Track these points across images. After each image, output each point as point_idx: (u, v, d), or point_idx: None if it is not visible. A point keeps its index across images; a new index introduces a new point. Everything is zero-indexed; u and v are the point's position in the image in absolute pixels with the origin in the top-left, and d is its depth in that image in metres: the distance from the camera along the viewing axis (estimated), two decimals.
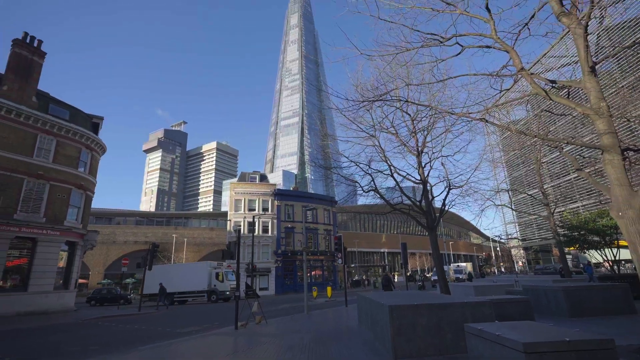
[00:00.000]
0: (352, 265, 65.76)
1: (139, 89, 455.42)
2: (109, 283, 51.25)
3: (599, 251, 16.94)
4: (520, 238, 51.43)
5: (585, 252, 20.22)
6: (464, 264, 51.21)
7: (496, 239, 74.17)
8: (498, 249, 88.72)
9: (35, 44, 23.80)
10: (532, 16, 7.98)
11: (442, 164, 16.92)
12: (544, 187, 28.26)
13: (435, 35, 8.55)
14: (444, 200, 16.56)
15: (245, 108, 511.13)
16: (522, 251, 62.61)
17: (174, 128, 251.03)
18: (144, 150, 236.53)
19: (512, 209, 37.27)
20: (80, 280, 50.97)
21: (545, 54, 19.59)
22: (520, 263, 67.94)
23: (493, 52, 8.93)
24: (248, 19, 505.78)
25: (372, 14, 8.37)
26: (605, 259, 16.75)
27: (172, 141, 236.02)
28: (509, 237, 54.94)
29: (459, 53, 9.11)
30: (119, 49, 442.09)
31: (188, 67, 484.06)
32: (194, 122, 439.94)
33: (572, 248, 20.38)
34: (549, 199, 27.45)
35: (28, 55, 23.34)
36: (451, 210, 17.92)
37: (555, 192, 37.16)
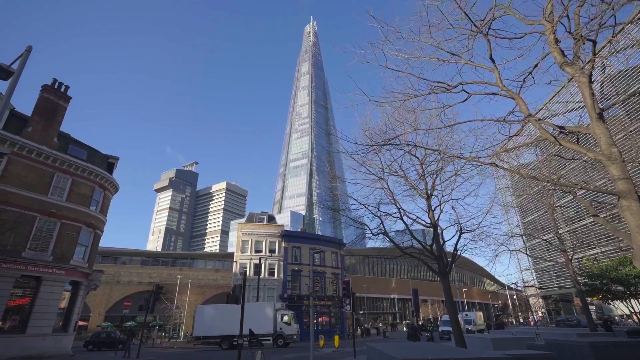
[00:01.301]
0: (361, 312, 62.87)
1: (150, 121, 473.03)
2: (109, 326, 49.63)
3: (624, 302, 15.96)
4: (537, 286, 49.02)
5: (609, 304, 19.08)
6: (473, 313, 46.63)
7: (512, 286, 70.77)
8: (515, 297, 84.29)
9: (62, 89, 25.34)
10: (536, 66, 8.27)
11: (452, 207, 16.71)
12: (560, 232, 27.42)
13: (442, 83, 8.86)
14: (456, 244, 16.15)
15: (255, 148, 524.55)
16: (540, 300, 59.33)
17: (185, 168, 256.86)
18: (155, 190, 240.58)
19: (527, 254, 35.92)
20: (80, 322, 49.55)
21: (551, 99, 20.00)
22: (539, 313, 64.09)
23: (499, 98, 9.16)
24: (261, 66, 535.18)
25: (380, 64, 8.78)
26: (633, 310, 15.72)
27: (183, 181, 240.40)
28: (526, 284, 52.41)
29: (466, 99, 9.38)
30: (132, 86, 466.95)
31: (201, 104, 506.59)
32: (205, 160, 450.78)
33: (594, 298, 19.26)
34: (565, 244, 26.51)
35: (55, 99, 24.78)
36: (463, 255, 17.37)
37: (572, 238, 35.93)
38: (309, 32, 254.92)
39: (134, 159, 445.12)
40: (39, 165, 23.05)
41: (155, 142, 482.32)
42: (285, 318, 30.91)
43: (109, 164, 28.97)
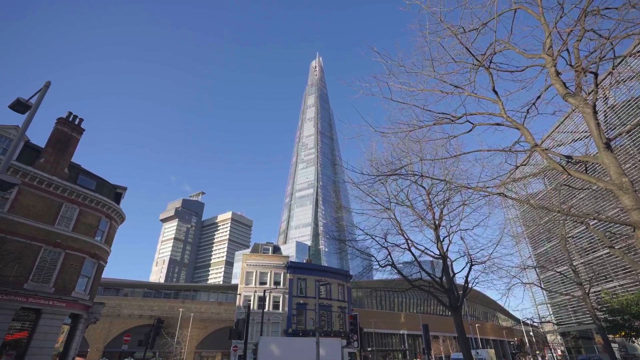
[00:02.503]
0: (369, 349, 60.16)
1: (157, 151, 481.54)
2: None
3: None
4: (554, 322, 46.80)
5: (633, 342, 18.07)
6: (484, 351, 43.38)
7: (528, 322, 67.68)
8: (531, 333, 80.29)
9: (77, 122, 26.21)
10: (539, 97, 8.40)
11: (461, 238, 16.47)
12: (574, 264, 26.57)
13: (446, 114, 9.01)
14: (467, 276, 15.76)
15: (261, 178, 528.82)
16: (559, 337, 56.41)
17: (192, 198, 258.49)
18: (161, 219, 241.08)
19: (541, 287, 34.68)
20: (77, 359, 47.91)
21: (556, 129, 20.15)
22: (558, 351, 60.70)
23: (504, 128, 9.24)
24: (268, 98, 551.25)
25: (385, 96, 9.00)
26: None
27: (189, 211, 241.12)
28: (542, 320, 50.08)
29: (470, 130, 9.47)
30: (138, 114, 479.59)
31: (208, 134, 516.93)
32: (211, 190, 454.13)
33: (617, 335, 18.28)
34: (581, 277, 25.60)
35: (68, 131, 25.57)
36: (475, 288, 16.88)
37: (587, 270, 34.72)
38: (315, 66, 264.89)
39: (141, 188, 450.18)
40: (48, 195, 23.38)
41: (162, 171, 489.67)
42: (355, 357, 28.83)
43: (116, 194, 29.30)
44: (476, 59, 8.45)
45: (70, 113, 26.10)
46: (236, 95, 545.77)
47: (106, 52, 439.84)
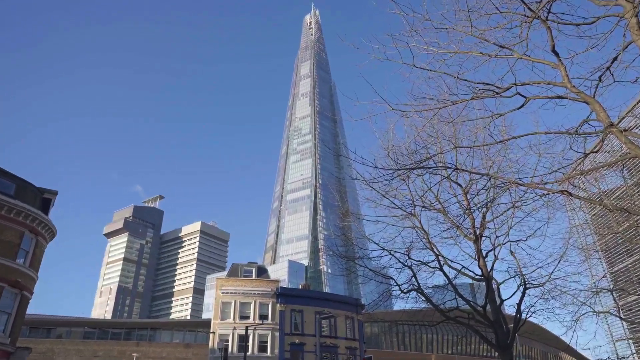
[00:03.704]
0: None
1: (101, 145, 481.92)
2: None
3: None
4: None
5: None
6: None
7: None
8: None
9: None
10: (615, 59, 8.33)
11: (511, 252, 16.46)
12: None
13: (489, 84, 8.95)
14: (519, 304, 15.78)
15: (239, 177, 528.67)
16: None
17: (146, 204, 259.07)
18: (105, 234, 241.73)
19: (620, 317, 34.80)
20: None
21: (639, 102, 20.08)
22: None
23: (568, 103, 9.19)
24: (248, 70, 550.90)
25: (405, 62, 8.93)
26: None
27: (143, 222, 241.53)
28: None
29: (522, 106, 9.42)
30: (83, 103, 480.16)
31: (166, 125, 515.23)
32: (173, 194, 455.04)
33: None
34: None
35: None
36: (530, 319, 16.91)
37: None
38: (310, 22, 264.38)
39: (77, 192, 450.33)
40: None
41: (104, 168, 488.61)
42: None
43: (44, 200, 29.26)
44: (529, 7, 8.36)
45: None
46: (200, 73, 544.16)
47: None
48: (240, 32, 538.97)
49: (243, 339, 45.01)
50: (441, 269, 16.31)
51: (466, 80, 9.13)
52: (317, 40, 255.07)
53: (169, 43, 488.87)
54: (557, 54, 8.71)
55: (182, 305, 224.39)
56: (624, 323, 45.49)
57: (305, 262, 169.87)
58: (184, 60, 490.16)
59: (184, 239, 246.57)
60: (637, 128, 13.61)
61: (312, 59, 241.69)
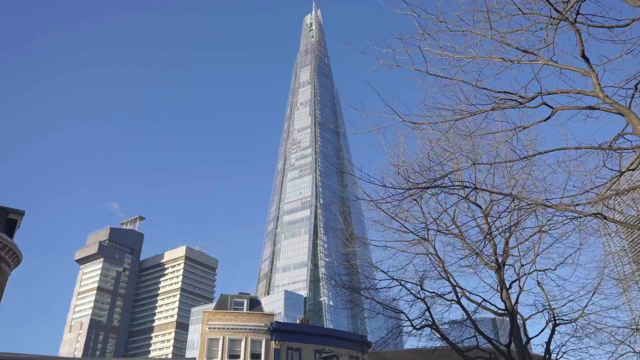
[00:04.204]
0: None
1: (62, 157, 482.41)
2: None
3: None
4: None
5: None
6: None
7: None
8: None
9: None
10: None
11: (538, 283, 16.36)
12: None
13: (512, 93, 8.98)
14: (548, 343, 15.63)
15: (230, 197, 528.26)
16: None
17: (124, 227, 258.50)
18: (77, 260, 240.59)
19: None
20: None
21: None
22: None
23: (600, 114, 9.21)
24: (240, 75, 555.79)
25: (417, 68, 8.99)
26: None
27: (121, 246, 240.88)
28: None
29: (549, 117, 9.45)
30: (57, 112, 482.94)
31: (147, 140, 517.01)
32: (154, 214, 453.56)
33: None
34: None
35: None
36: None
37: None
38: (310, 23, 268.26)
39: (44, 213, 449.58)
40: None
41: (75, 184, 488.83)
42: None
43: (8, 221, 29.23)
44: (555, 8, 8.43)
45: None
46: (186, 77, 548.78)
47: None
48: (231, 33, 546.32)
49: None
50: (459, 302, 16.18)
51: (486, 88, 9.17)
52: (319, 43, 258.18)
53: (152, 43, 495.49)
54: (587, 60, 8.76)
55: (163, 341, 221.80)
56: None
57: (304, 292, 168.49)
58: (169, 62, 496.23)
59: (166, 266, 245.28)
60: None
61: (312, 64, 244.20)
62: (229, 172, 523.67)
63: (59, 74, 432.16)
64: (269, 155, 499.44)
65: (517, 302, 15.75)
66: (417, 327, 16.18)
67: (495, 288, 16.19)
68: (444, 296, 16.49)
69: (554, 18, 8.64)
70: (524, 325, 16.63)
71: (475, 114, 9.30)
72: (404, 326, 17.12)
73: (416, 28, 9.21)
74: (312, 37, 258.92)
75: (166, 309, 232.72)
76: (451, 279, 16.15)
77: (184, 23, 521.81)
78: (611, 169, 9.45)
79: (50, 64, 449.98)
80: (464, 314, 16.46)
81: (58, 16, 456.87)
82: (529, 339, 16.44)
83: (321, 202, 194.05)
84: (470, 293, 16.56)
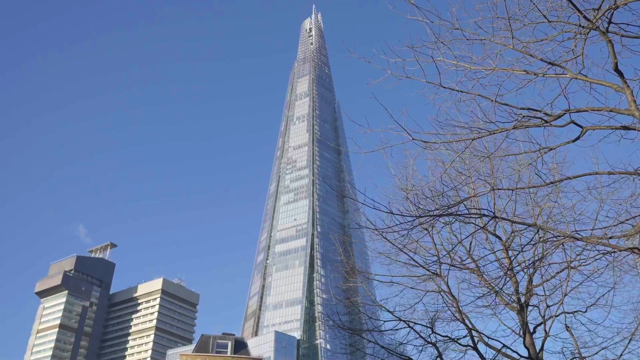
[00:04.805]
0: None
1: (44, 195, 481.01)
2: None
3: None
4: None
5: None
6: None
7: None
8: None
9: None
10: None
11: (566, 327, 16.21)
12: None
13: (536, 110, 9.02)
14: None
15: (215, 222, 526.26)
16: None
17: (93, 255, 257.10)
18: (38, 293, 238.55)
19: None
20: None
21: None
22: None
23: (636, 135, 9.23)
24: (230, 86, 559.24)
25: (429, 80, 9.04)
26: None
27: (88, 277, 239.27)
28: None
29: (578, 138, 9.45)
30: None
31: (120, 154, 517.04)
32: (126, 241, 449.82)
33: None
34: None
35: None
36: None
37: None
38: (310, 29, 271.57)
39: (2, 239, 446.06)
40: None
41: (37, 206, 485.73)
42: None
43: None
44: (584, 16, 8.50)
45: None
46: (169, 89, 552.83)
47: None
48: (219, 40, 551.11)
49: None
50: (475, 348, 16.00)
51: (507, 104, 9.22)
52: (318, 51, 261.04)
53: (131, 53, 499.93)
54: (620, 74, 8.81)
55: None
56: None
57: (297, 334, 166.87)
58: (146, 77, 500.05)
59: (139, 301, 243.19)
60: None
61: (311, 74, 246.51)
62: (215, 195, 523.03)
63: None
64: (260, 177, 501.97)
65: (542, 348, 15.57)
66: None
67: (518, 332, 16.04)
68: (459, 340, 16.31)
69: (583, 27, 8.71)
70: None
71: (494, 133, 9.33)
72: None
73: (428, 36, 9.29)
74: (312, 43, 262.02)
75: (138, 351, 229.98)
76: (467, 321, 16.00)
77: (162, 34, 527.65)
78: None
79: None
80: None
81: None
82: None
83: (318, 230, 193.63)
84: (489, 337, 16.41)
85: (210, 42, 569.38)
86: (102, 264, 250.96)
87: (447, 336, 16.38)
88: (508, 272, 15.79)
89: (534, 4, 8.77)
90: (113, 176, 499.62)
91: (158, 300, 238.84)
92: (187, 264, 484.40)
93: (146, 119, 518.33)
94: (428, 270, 15.93)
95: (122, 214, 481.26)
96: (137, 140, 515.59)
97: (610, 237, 9.52)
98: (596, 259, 14.23)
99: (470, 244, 16.02)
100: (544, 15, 8.90)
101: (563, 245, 14.14)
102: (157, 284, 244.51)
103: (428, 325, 16.23)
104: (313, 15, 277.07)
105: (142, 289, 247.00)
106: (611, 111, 8.91)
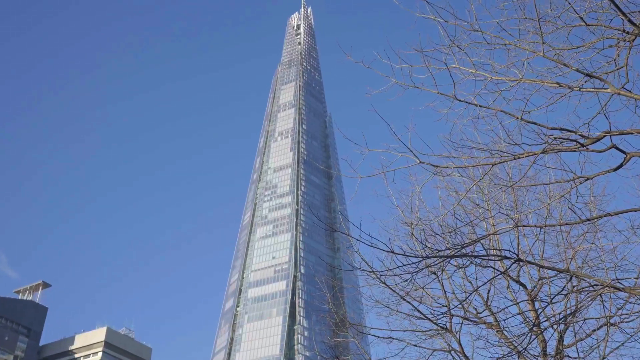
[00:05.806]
0: None
1: None
2: None
3: None
4: None
5: None
6: None
7: None
8: None
9: None
10: None
11: None
12: None
13: (570, 131, 9.06)
14: None
15: (174, 263, 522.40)
16: None
17: (20, 296, 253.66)
18: None
19: None
20: None
21: None
22: None
23: None
24: (196, 92, 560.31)
25: (441, 92, 9.08)
26: None
27: (13, 324, 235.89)
28: None
29: (621, 166, 9.51)
30: None
31: (57, 176, 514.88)
32: (64, 286, 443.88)
33: None
34: None
35: None
36: None
37: None
38: (297, 25, 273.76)
39: None
40: None
41: None
42: None
43: None
44: (629, 19, 8.53)
45: None
46: (121, 97, 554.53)
47: None
48: (189, 36, 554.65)
49: None
50: None
51: (535, 123, 9.23)
52: (307, 53, 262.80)
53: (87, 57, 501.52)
54: None
55: None
56: None
57: None
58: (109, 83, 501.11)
59: (77, 355, 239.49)
60: None
61: (298, 81, 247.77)
62: (175, 226, 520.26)
63: None
64: (232, 204, 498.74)
65: None
66: None
67: None
68: None
69: (627, 33, 8.77)
70: None
71: (519, 158, 9.34)
72: None
73: (441, 38, 9.34)
74: (299, 43, 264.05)
75: None
76: None
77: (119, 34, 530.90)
78: None
79: None
80: None
81: None
82: None
83: (302, 271, 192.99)
84: None
85: (173, 38, 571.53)
86: (31, 307, 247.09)
87: None
88: (534, 329, 15.77)
89: (569, 3, 8.78)
90: (45, 202, 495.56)
91: (100, 354, 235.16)
92: (137, 311, 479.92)
93: (101, 137, 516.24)
94: (436, 324, 15.86)
95: (56, 247, 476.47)
96: (76, 160, 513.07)
97: None
98: None
99: (488, 293, 16.03)
100: (581, 18, 8.89)
101: (601, 296, 14.16)
102: (99, 334, 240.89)
103: None
104: (302, 10, 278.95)
105: (80, 340, 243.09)
106: None
